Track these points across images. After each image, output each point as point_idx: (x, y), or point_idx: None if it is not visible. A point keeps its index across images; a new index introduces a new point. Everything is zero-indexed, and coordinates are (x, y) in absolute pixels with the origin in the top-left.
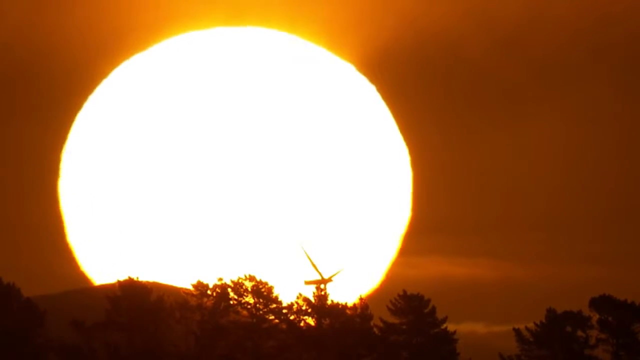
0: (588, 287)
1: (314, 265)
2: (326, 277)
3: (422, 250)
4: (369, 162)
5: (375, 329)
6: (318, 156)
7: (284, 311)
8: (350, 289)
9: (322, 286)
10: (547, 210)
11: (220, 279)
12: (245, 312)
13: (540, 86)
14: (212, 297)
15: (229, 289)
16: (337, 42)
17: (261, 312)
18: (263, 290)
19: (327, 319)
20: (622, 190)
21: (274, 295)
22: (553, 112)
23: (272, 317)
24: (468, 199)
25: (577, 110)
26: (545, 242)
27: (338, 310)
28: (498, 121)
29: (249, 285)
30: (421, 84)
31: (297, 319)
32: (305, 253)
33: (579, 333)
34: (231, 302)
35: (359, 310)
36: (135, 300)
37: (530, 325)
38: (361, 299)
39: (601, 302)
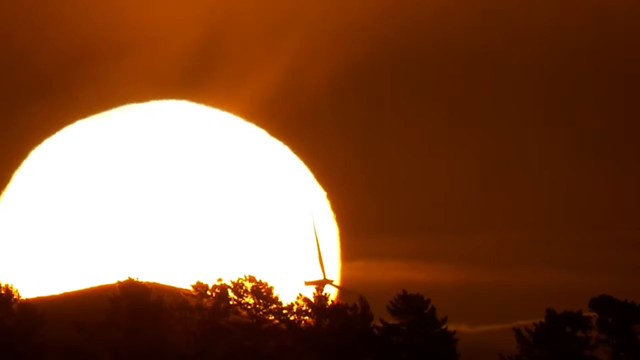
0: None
1: (322, 263)
2: (327, 278)
3: (381, 254)
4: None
5: (375, 330)
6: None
7: (284, 312)
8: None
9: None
10: (512, 212)
11: (220, 280)
12: (245, 313)
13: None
14: (211, 298)
15: (229, 290)
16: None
17: (261, 312)
18: (263, 290)
19: (327, 319)
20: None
21: (274, 295)
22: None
23: (272, 317)
24: (427, 202)
25: (556, 100)
26: (509, 244)
27: (338, 310)
28: (461, 120)
29: (248, 285)
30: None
31: (297, 320)
32: (318, 248)
33: (579, 333)
34: (231, 303)
35: (359, 311)
36: (135, 301)
37: (528, 325)
38: (361, 298)
39: (601, 303)
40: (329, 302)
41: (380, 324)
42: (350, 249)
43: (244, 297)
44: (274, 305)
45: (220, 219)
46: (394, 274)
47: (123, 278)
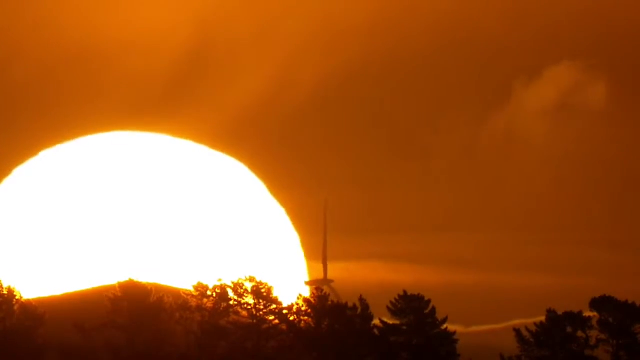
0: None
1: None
2: (327, 278)
3: (360, 255)
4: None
5: (375, 330)
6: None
7: (284, 312)
8: (289, 295)
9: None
10: (510, 212)
11: (220, 280)
12: (245, 313)
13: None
14: (212, 298)
15: (229, 290)
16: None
17: (261, 312)
18: (263, 291)
19: (327, 319)
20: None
21: (274, 296)
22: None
23: (272, 317)
24: (418, 203)
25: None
26: (505, 245)
27: (338, 310)
28: (453, 120)
29: (249, 286)
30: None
31: (297, 320)
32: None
33: (579, 333)
34: (231, 303)
35: (359, 311)
36: (136, 302)
37: (528, 324)
38: (361, 298)
39: (601, 303)
40: (329, 303)
41: (380, 324)
42: (334, 250)
43: (244, 298)
44: (274, 306)
45: (220, 220)
46: (381, 275)
47: (123, 278)
